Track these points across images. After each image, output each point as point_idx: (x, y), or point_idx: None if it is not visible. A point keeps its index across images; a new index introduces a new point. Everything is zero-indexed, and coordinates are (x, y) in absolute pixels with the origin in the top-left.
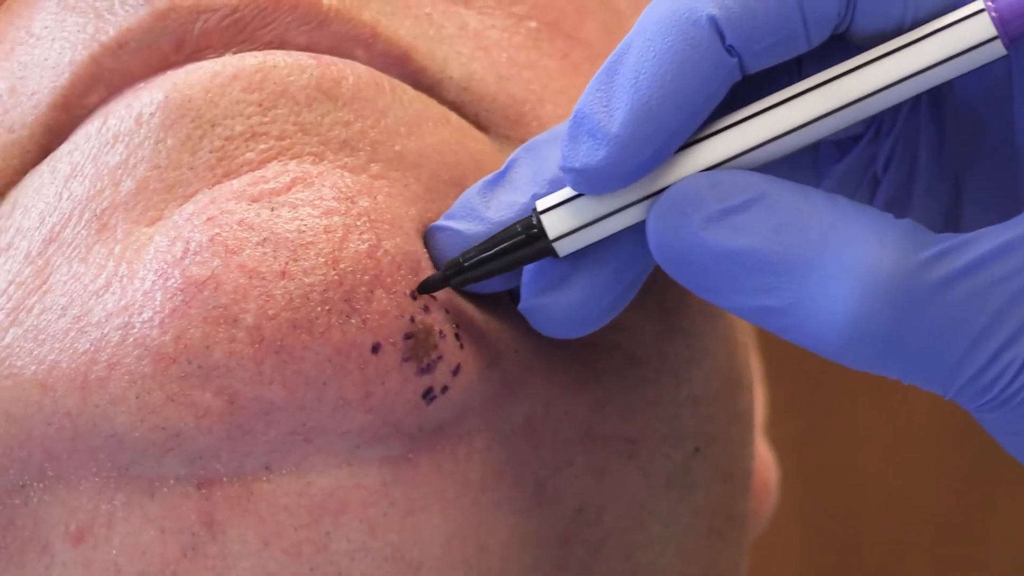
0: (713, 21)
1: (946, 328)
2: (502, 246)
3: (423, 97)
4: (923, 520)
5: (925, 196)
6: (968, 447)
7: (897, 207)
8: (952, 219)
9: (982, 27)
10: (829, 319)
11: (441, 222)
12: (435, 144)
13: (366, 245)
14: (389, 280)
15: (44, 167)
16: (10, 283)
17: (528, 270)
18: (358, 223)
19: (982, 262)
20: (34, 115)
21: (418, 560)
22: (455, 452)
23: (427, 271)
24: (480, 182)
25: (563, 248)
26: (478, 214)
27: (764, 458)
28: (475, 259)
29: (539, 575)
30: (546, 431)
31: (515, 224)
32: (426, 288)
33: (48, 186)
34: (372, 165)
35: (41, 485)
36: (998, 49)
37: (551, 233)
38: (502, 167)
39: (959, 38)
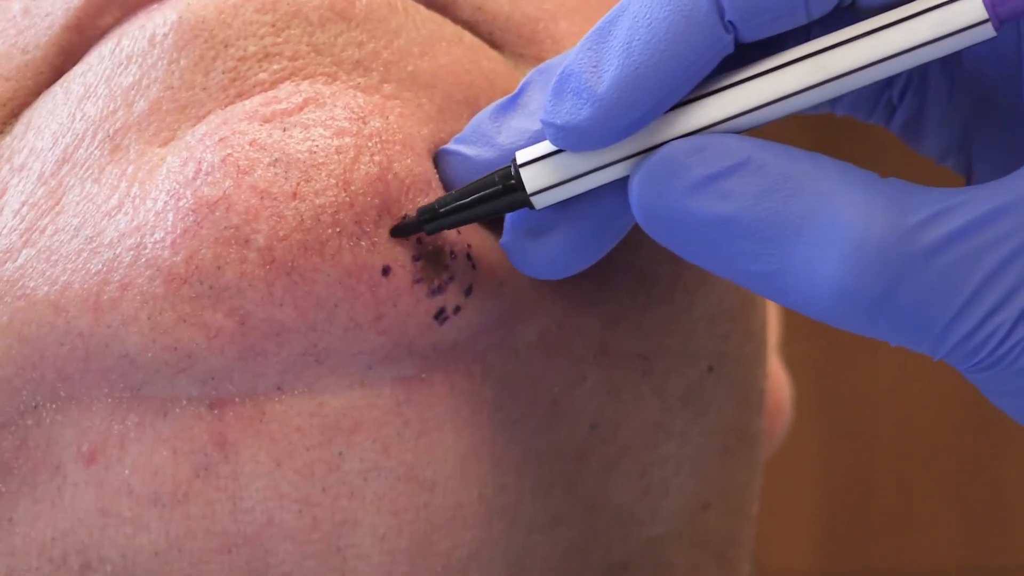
0: None
1: (934, 293)
2: (478, 195)
3: (436, 17)
4: (938, 437)
5: (939, 126)
6: None
7: (912, 131)
8: (965, 150)
9: (973, 8)
10: (816, 285)
11: (451, 146)
12: (448, 64)
13: (377, 167)
14: (399, 202)
15: (57, 88)
16: (23, 204)
17: (510, 213)
18: (369, 144)
19: (970, 227)
20: (48, 36)
21: (432, 479)
22: (469, 371)
23: (438, 192)
24: (492, 106)
25: (540, 201)
26: (489, 139)
27: (778, 377)
28: (451, 206)
29: (554, 492)
30: (560, 348)
31: (493, 174)
32: (399, 232)
33: (61, 107)
34: (385, 85)
35: (54, 406)
36: (989, 30)
37: (529, 187)
38: (515, 90)
39: (949, 18)
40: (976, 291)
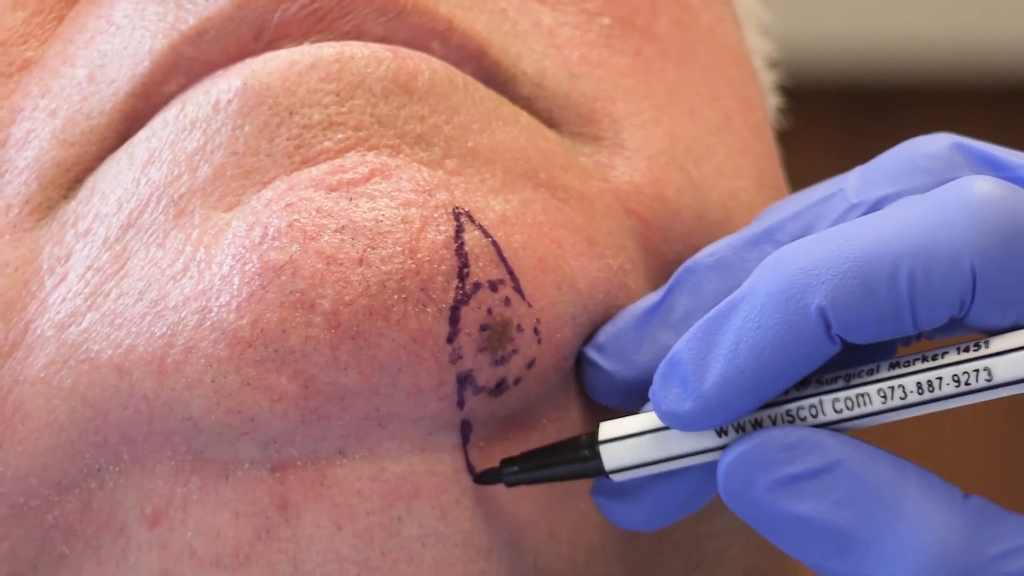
0: (822, 312)
1: None
2: (559, 457)
3: (494, 95)
4: (964, 445)
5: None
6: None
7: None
8: None
9: None
10: None
11: (592, 353)
12: (506, 141)
13: (443, 236)
14: (466, 271)
15: (122, 153)
16: (88, 268)
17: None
18: (435, 215)
19: None
20: (113, 102)
21: (488, 547)
22: (527, 440)
23: (502, 266)
24: (638, 312)
25: (619, 477)
26: (630, 355)
27: None
28: (531, 466)
29: (605, 559)
30: None
31: (579, 439)
32: (481, 480)
33: (126, 172)
34: (447, 160)
35: (117, 469)
36: None
37: (608, 465)
38: (661, 293)
39: None
40: None
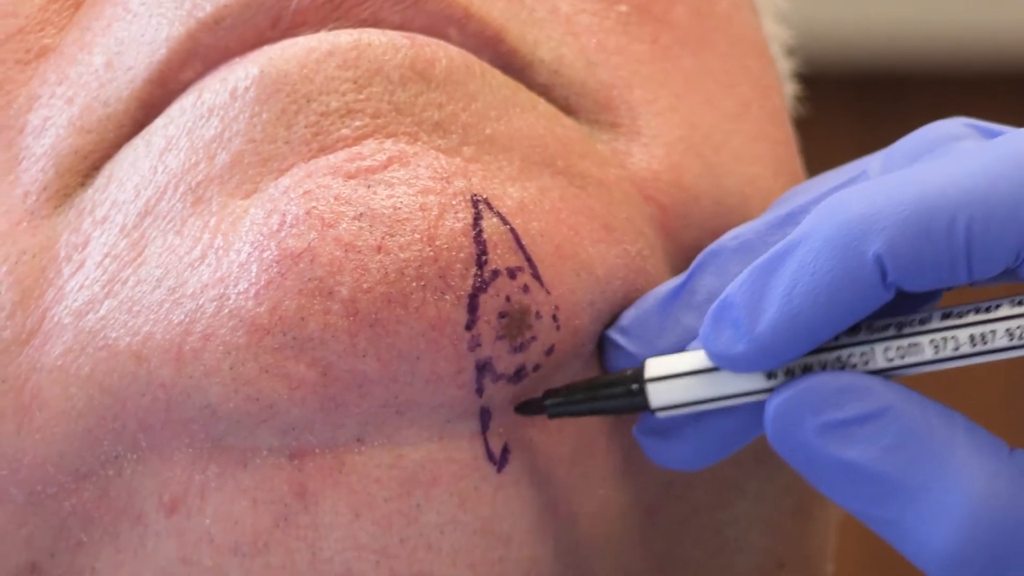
0: (879, 260)
1: None
2: (605, 391)
3: (511, 83)
4: None
5: None
6: None
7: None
8: None
9: None
10: (930, 544)
11: (615, 335)
12: (523, 128)
13: (461, 224)
14: (484, 259)
15: (139, 141)
16: (105, 256)
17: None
18: (454, 202)
19: None
20: (130, 90)
21: (507, 533)
22: (546, 426)
23: (519, 253)
24: (661, 293)
25: (664, 415)
26: (653, 338)
27: None
28: (577, 397)
29: (625, 545)
30: None
31: (625, 373)
32: (523, 409)
33: (143, 159)
34: (465, 148)
35: (135, 456)
36: None
37: (654, 403)
38: (685, 275)
39: None
40: None
